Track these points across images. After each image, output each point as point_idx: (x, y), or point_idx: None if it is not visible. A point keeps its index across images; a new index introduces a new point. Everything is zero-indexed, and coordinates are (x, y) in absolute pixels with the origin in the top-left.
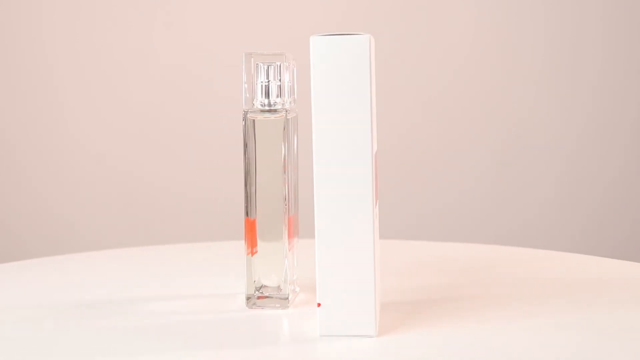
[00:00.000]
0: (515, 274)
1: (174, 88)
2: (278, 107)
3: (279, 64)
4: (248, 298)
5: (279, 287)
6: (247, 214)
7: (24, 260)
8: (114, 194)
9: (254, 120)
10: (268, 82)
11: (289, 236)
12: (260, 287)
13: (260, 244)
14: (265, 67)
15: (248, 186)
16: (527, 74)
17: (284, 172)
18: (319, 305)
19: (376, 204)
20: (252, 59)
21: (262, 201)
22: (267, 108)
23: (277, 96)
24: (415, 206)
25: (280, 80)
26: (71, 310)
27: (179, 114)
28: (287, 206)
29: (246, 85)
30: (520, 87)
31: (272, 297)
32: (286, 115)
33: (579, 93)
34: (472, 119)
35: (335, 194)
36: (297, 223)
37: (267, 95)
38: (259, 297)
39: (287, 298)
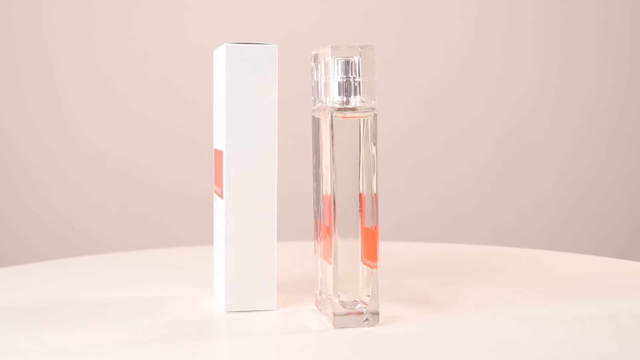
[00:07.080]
0: (513, 274)
1: (174, 88)
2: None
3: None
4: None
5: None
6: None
7: (24, 263)
8: (114, 194)
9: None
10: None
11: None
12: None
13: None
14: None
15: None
16: (527, 74)
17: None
18: None
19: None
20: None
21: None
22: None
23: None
24: (415, 206)
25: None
26: (71, 313)
27: (179, 113)
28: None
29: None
30: (520, 87)
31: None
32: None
33: (579, 93)
34: (472, 119)
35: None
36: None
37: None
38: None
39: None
